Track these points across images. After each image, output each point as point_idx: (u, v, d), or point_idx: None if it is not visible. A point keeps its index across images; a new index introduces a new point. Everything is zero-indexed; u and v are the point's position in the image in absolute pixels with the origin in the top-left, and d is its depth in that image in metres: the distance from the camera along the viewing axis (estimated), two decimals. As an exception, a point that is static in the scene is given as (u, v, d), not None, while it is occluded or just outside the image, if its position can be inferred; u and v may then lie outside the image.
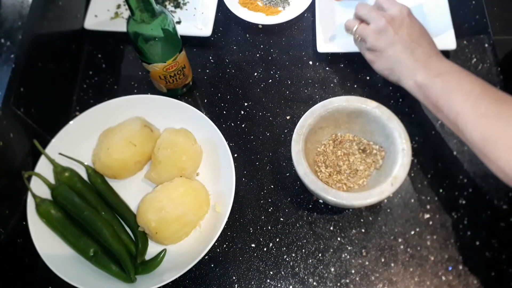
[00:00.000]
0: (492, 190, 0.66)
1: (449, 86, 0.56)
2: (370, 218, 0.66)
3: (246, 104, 0.76)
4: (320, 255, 0.64)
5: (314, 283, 0.63)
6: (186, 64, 0.72)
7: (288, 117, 0.74)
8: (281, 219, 0.67)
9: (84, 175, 0.68)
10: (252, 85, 0.77)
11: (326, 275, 0.63)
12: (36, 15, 0.68)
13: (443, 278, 0.62)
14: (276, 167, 0.70)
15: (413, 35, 0.63)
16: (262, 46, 0.81)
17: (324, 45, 0.76)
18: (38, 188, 0.64)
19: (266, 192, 0.69)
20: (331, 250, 0.64)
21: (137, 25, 0.61)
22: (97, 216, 0.63)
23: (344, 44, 0.77)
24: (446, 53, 0.73)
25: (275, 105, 0.75)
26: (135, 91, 0.78)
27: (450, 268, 0.62)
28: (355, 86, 0.75)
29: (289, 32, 0.82)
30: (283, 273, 0.64)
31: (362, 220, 0.66)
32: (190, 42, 0.79)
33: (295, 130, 0.62)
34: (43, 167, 0.66)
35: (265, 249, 0.65)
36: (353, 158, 0.66)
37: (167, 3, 0.84)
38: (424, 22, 0.67)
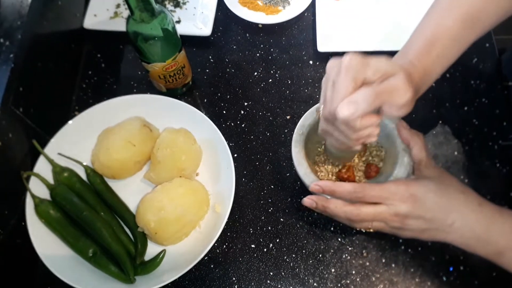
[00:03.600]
0: (492, 190, 0.66)
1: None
2: (371, 219, 0.65)
3: (246, 104, 0.76)
4: (320, 255, 0.64)
5: (315, 284, 0.62)
6: (185, 63, 0.71)
7: (288, 117, 0.74)
8: (281, 219, 0.67)
9: (83, 175, 0.68)
10: (252, 85, 0.77)
11: (326, 275, 0.63)
12: (36, 15, 0.67)
13: (444, 278, 0.62)
14: (276, 167, 0.70)
15: (435, 213, 0.52)
16: (262, 46, 0.81)
17: (324, 45, 0.76)
18: (37, 188, 0.64)
19: (266, 192, 0.69)
20: (332, 251, 0.64)
21: (136, 24, 0.61)
22: (96, 216, 0.63)
23: (344, 44, 0.77)
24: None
25: (275, 105, 0.75)
26: (135, 91, 0.78)
27: (451, 269, 0.62)
28: (356, 86, 0.75)
29: (289, 32, 0.82)
30: (283, 273, 0.63)
31: (362, 221, 0.65)
32: (190, 42, 0.79)
33: (296, 130, 0.62)
34: (42, 167, 0.66)
35: (265, 249, 0.65)
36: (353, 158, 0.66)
37: (166, 2, 0.84)
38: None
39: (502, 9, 0.56)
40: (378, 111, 0.48)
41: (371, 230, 0.57)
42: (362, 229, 0.61)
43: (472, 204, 0.52)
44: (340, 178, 0.64)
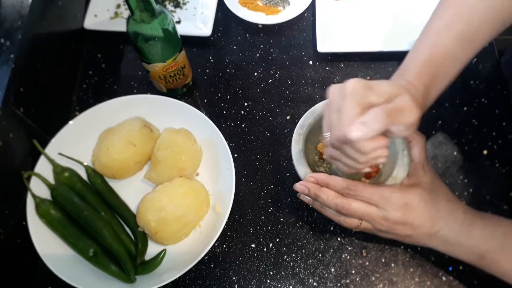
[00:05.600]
0: (492, 190, 0.66)
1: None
2: (370, 218, 0.66)
3: (246, 104, 0.76)
4: (320, 255, 0.64)
5: (314, 284, 0.63)
6: (186, 64, 0.72)
7: (288, 117, 0.74)
8: (281, 219, 0.67)
9: (83, 175, 0.68)
10: (252, 85, 0.77)
11: (326, 275, 0.63)
12: (36, 15, 0.68)
13: (444, 278, 0.62)
14: (276, 167, 0.70)
15: (424, 220, 0.53)
16: (262, 46, 0.81)
17: (324, 45, 0.76)
18: (38, 188, 0.64)
19: (266, 192, 0.69)
20: (331, 251, 0.64)
21: (137, 25, 0.61)
22: (96, 216, 0.63)
23: (344, 44, 0.77)
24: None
25: (275, 105, 0.75)
26: (135, 91, 0.78)
27: (450, 269, 0.62)
28: (355, 86, 0.75)
29: (289, 32, 0.82)
30: (283, 273, 0.63)
31: (362, 220, 0.65)
32: (190, 42, 0.79)
33: (296, 129, 0.62)
34: (42, 167, 0.66)
35: (265, 249, 0.65)
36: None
37: (167, 2, 0.84)
38: (425, 23, 0.67)
39: (494, 30, 0.58)
40: (384, 133, 0.48)
41: (357, 229, 0.57)
42: (350, 229, 0.61)
43: (457, 212, 0.53)
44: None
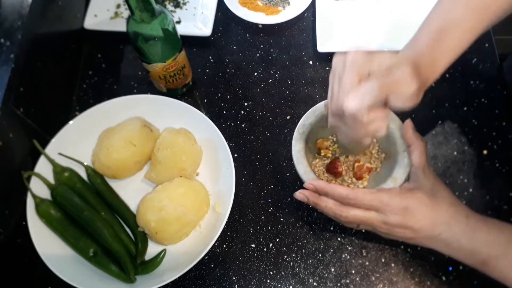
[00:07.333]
0: (492, 190, 0.66)
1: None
2: (370, 218, 0.66)
3: (246, 104, 0.76)
4: (320, 255, 0.64)
5: (314, 283, 0.63)
6: (186, 64, 0.72)
7: (288, 117, 0.74)
8: (281, 219, 0.67)
9: (83, 175, 0.68)
10: (252, 85, 0.77)
11: (326, 275, 0.63)
12: (36, 15, 0.68)
13: (444, 278, 0.62)
14: (276, 167, 0.70)
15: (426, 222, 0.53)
16: (262, 46, 0.81)
17: (324, 45, 0.76)
18: (38, 188, 0.64)
19: (266, 192, 0.69)
20: (331, 250, 0.64)
21: (137, 25, 0.61)
22: (96, 216, 0.63)
23: (344, 44, 0.77)
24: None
25: (275, 105, 0.75)
26: (135, 91, 0.78)
27: (450, 269, 0.62)
28: (355, 86, 0.75)
29: (289, 32, 0.82)
30: (283, 273, 0.64)
31: (362, 220, 0.65)
32: (190, 42, 0.79)
33: (296, 128, 0.62)
34: (42, 167, 0.66)
35: (265, 249, 0.65)
36: (353, 158, 0.66)
37: (167, 2, 0.84)
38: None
39: (509, 1, 0.55)
40: (385, 104, 0.48)
41: (358, 229, 0.58)
42: (350, 228, 0.61)
43: (460, 216, 0.53)
44: (328, 171, 0.64)
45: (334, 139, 0.66)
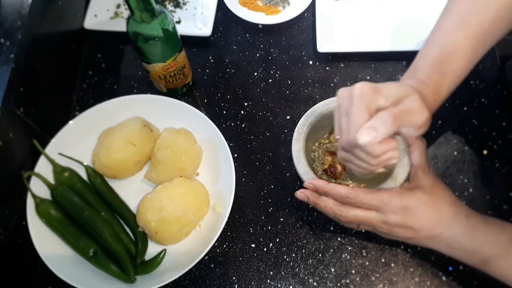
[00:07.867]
0: (492, 190, 0.66)
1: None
2: (370, 218, 0.66)
3: (246, 104, 0.76)
4: (320, 255, 0.64)
5: (314, 284, 0.63)
6: (186, 64, 0.72)
7: (288, 117, 0.74)
8: (281, 219, 0.67)
9: (83, 175, 0.68)
10: (252, 85, 0.77)
11: (326, 275, 0.63)
12: (36, 15, 0.68)
13: (444, 278, 0.62)
14: (276, 167, 0.70)
15: (426, 223, 0.53)
16: (262, 46, 0.81)
17: (324, 45, 0.76)
18: (38, 188, 0.64)
19: (266, 192, 0.69)
20: (331, 250, 0.64)
21: (137, 25, 0.61)
22: (96, 216, 0.63)
23: (344, 44, 0.77)
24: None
25: (275, 105, 0.75)
26: (135, 91, 0.78)
27: (450, 269, 0.62)
28: (355, 86, 0.75)
29: (289, 32, 0.82)
30: (283, 273, 0.64)
31: (362, 220, 0.65)
32: (190, 42, 0.79)
33: (296, 128, 0.62)
34: (42, 167, 0.66)
35: (265, 249, 0.65)
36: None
37: (167, 2, 0.84)
38: (424, 23, 0.67)
39: (507, 27, 0.57)
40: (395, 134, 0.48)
41: (358, 229, 0.58)
42: (350, 228, 0.61)
43: (460, 215, 0.53)
44: (327, 171, 0.64)
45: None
